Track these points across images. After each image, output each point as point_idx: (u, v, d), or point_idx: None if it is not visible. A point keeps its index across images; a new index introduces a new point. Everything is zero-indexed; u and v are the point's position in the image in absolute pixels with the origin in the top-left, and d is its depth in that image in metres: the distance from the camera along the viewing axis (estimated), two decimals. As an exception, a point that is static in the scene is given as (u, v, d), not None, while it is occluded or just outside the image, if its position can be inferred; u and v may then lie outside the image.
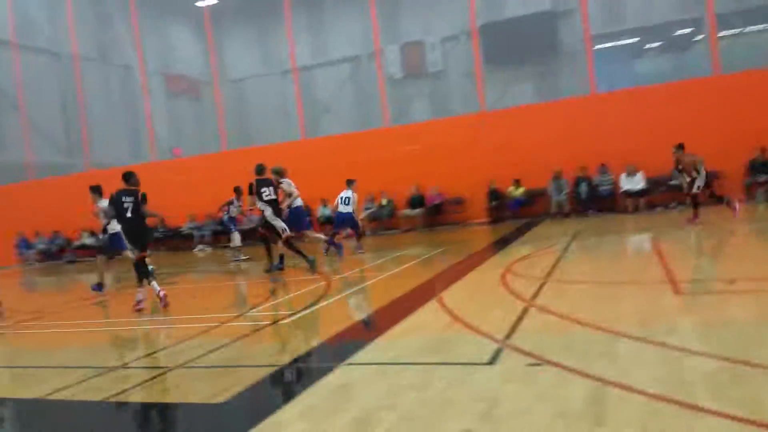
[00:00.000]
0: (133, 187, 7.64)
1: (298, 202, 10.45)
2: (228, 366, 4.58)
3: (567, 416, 2.95)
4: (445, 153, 16.03)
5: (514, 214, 15.78)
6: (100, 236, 10.52)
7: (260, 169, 9.84)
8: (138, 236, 7.72)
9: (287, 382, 4.17)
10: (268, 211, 9.58)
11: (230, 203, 13.33)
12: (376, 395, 3.52)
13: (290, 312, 6.40)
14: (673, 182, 13.38)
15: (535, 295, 5.94)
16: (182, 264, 14.41)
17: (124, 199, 7.53)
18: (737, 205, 10.85)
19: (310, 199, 17.71)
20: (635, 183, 14.78)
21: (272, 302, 7.33)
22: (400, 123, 19.02)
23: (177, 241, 19.53)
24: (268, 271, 9.92)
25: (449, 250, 11.12)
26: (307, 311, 6.40)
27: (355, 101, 30.57)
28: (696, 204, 10.94)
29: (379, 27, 19.54)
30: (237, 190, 12.96)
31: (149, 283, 7.58)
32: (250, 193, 9.71)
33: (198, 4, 22.74)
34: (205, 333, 5.87)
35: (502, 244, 11.52)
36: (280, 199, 10.01)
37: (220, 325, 6.18)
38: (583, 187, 15.32)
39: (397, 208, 17.01)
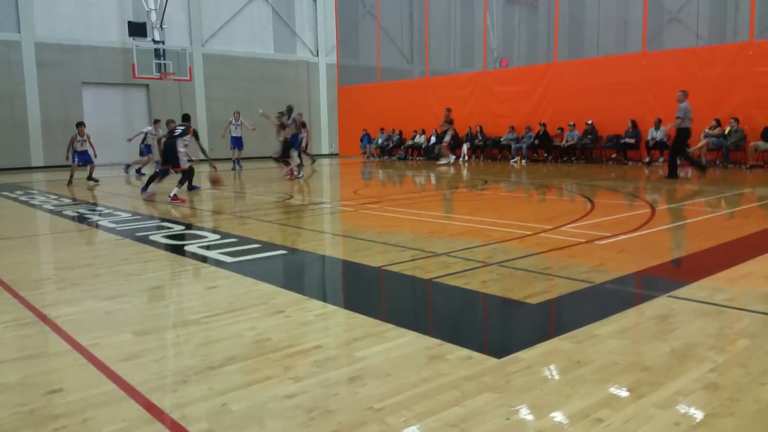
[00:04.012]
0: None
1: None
2: (541, 273, 4.72)
3: None
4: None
5: None
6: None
7: None
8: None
9: (601, 300, 4.12)
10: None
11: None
12: (702, 334, 3.24)
13: (608, 234, 6.19)
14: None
15: None
16: (496, 173, 14.96)
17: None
18: None
19: (642, 120, 16.29)
20: None
21: (589, 221, 7.17)
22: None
23: (495, 151, 20.26)
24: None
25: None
26: (626, 236, 6.10)
27: (712, 8, 26.14)
28: None
29: None
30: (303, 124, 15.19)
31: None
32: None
33: None
34: (519, 239, 6.12)
35: None
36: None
37: (534, 234, 6.34)
38: None
39: (747, 139, 14.44)
